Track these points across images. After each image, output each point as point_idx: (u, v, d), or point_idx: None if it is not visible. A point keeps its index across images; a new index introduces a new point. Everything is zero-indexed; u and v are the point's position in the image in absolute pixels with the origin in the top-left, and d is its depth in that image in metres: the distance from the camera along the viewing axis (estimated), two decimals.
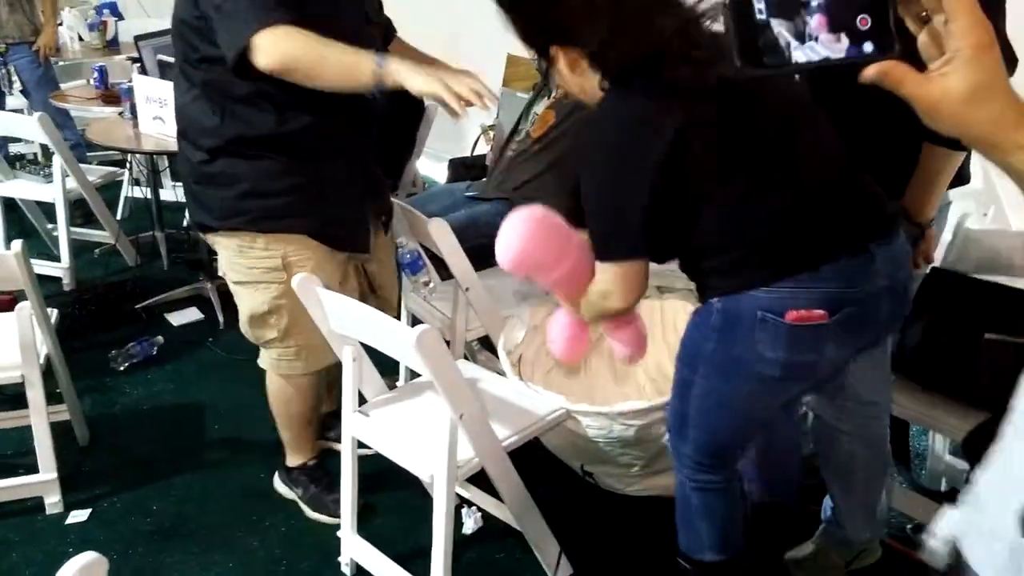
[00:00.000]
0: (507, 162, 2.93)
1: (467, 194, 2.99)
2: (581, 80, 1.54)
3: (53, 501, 2.37)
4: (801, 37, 0.71)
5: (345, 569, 2.19)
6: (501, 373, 2.29)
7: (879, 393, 1.90)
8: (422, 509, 2.22)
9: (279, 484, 2.46)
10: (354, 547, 2.16)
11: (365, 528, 2.22)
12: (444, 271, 2.50)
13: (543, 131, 2.93)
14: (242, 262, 2.09)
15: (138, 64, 3.75)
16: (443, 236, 2.34)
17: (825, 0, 0.71)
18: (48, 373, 2.39)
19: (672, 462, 1.83)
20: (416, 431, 2.01)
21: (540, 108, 3.00)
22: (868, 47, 0.71)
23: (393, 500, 2.41)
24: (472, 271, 2.42)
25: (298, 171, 2.02)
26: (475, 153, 3.57)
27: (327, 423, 2.58)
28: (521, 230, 1.71)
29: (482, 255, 2.70)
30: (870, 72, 0.70)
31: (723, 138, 1.47)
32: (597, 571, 2.19)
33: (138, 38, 3.79)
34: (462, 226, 2.46)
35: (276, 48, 1.79)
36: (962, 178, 1.95)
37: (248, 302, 2.15)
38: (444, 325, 2.57)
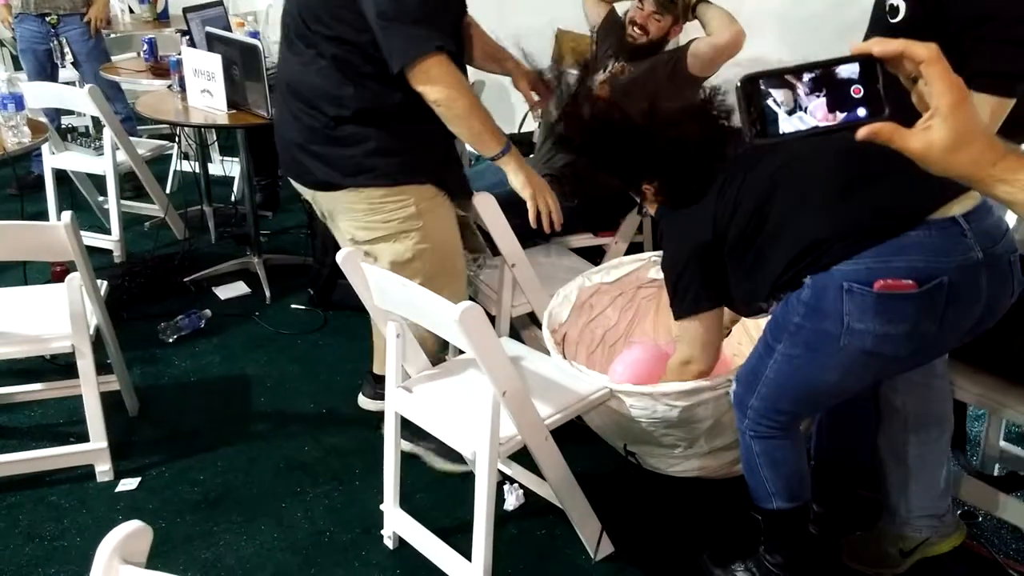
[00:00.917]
0: (556, 137, 2.89)
1: None
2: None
3: (104, 469, 2.42)
4: (802, 108, 0.85)
5: (387, 542, 2.20)
6: (546, 351, 2.27)
7: (938, 374, 1.86)
8: (463, 484, 2.23)
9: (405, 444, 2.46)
10: (396, 521, 2.17)
11: (408, 502, 2.23)
12: (494, 246, 2.49)
13: None
14: (376, 218, 2.18)
15: (187, 36, 3.77)
16: (489, 210, 2.32)
17: (823, 75, 0.84)
18: (98, 344, 2.42)
19: (733, 414, 1.88)
20: (459, 407, 2.00)
21: (595, 83, 2.96)
22: (861, 112, 0.85)
23: (436, 475, 2.42)
24: (518, 247, 2.40)
25: (416, 132, 2.15)
26: (523, 130, 3.54)
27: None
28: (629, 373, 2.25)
29: (529, 232, 2.68)
30: (863, 132, 0.85)
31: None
32: (638, 550, 2.17)
33: (187, 10, 3.82)
34: (509, 202, 2.43)
35: (441, 82, 2.01)
36: None
37: (389, 254, 2.22)
38: (491, 300, 2.56)
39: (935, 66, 0.83)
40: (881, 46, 0.84)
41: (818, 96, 0.84)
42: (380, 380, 2.64)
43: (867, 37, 2.06)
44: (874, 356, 1.61)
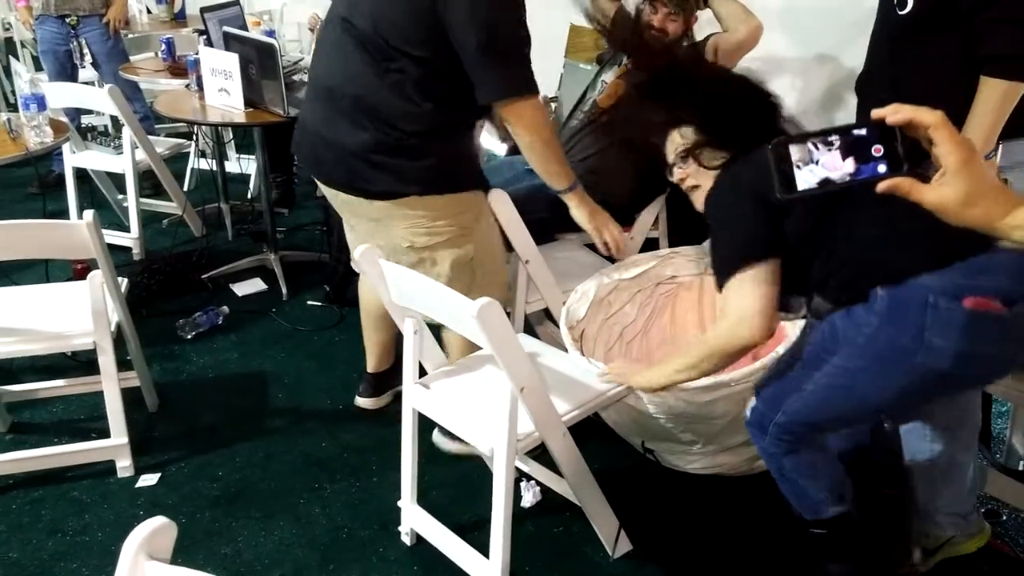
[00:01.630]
0: (571, 133, 2.89)
1: (526, 167, 2.95)
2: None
3: (124, 465, 2.44)
4: (829, 166, 0.95)
5: (405, 538, 2.21)
6: (561, 347, 2.27)
7: None
8: (481, 481, 2.24)
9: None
10: (414, 517, 2.18)
11: (425, 498, 2.24)
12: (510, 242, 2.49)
13: (612, 102, 2.88)
14: (438, 224, 2.22)
15: (204, 36, 3.79)
16: (502, 206, 2.32)
17: (845, 138, 0.95)
18: (119, 341, 2.44)
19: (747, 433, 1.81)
20: (476, 404, 2.00)
21: (609, 77, 2.94)
22: (882, 168, 0.94)
23: (453, 472, 2.43)
24: (532, 243, 2.40)
25: (469, 143, 2.31)
26: None
27: (397, 369, 2.66)
28: None
29: (544, 228, 2.68)
30: (883, 186, 0.94)
31: None
32: (657, 548, 2.17)
33: (204, 10, 3.83)
34: (523, 199, 2.43)
35: (534, 123, 2.15)
36: None
37: (450, 257, 2.26)
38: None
39: (941, 130, 0.92)
40: (893, 115, 0.94)
41: (842, 157, 0.95)
42: (375, 378, 2.71)
43: (875, 31, 2.06)
44: (948, 378, 1.52)
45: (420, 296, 1.92)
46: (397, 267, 1.95)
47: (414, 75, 2.07)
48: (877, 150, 0.95)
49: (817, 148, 0.95)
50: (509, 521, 1.90)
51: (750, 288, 1.60)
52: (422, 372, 2.14)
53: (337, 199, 2.32)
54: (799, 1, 3.06)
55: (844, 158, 0.95)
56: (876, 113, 0.95)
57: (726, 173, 1.74)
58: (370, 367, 2.73)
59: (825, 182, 0.95)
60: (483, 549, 1.97)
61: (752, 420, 1.81)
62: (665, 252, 2.65)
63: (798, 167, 0.96)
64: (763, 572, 2.08)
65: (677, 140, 1.83)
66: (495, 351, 1.75)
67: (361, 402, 2.76)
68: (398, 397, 2.73)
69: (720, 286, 1.65)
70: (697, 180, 1.81)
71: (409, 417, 2.11)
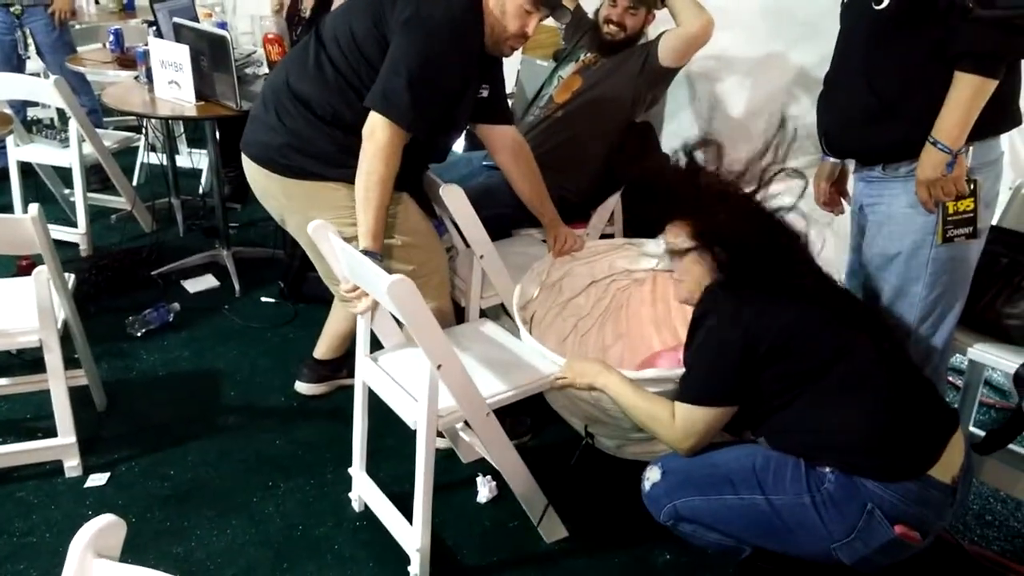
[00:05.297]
0: (527, 128, 2.90)
1: (484, 163, 2.96)
2: (701, 275, 1.84)
3: (72, 465, 2.39)
4: None
5: (354, 505, 2.29)
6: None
7: None
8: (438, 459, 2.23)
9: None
10: (362, 485, 2.26)
11: (374, 469, 2.30)
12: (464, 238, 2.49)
13: (568, 97, 2.90)
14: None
15: (153, 27, 3.72)
16: (456, 201, 2.32)
17: None
18: (66, 338, 2.39)
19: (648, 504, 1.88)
20: (416, 380, 2.01)
21: (566, 72, 2.96)
22: None
23: (404, 451, 2.40)
24: (487, 238, 2.40)
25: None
26: None
27: (343, 362, 2.75)
28: None
29: (500, 224, 2.69)
30: None
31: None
32: (593, 531, 2.21)
33: (153, 1, 3.76)
34: (479, 195, 2.43)
35: (380, 147, 2.08)
36: (1011, 119, 1.95)
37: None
38: (462, 292, 2.57)
39: None
40: None
41: None
42: (319, 364, 2.77)
43: (844, 27, 2.09)
44: (842, 566, 1.70)
45: (352, 268, 1.99)
46: (342, 242, 2.00)
47: (344, 74, 2.15)
48: None
49: None
50: (430, 495, 1.95)
51: (701, 418, 1.76)
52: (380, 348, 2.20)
53: (266, 193, 2.36)
54: (750, 1, 3.12)
55: None
56: None
57: (731, 301, 1.75)
58: (317, 352, 2.75)
59: None
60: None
61: (650, 495, 1.85)
62: (620, 242, 2.67)
63: None
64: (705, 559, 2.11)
65: (674, 239, 1.88)
66: (409, 327, 1.80)
67: (299, 386, 2.78)
68: (340, 391, 2.76)
69: (679, 399, 1.79)
70: (683, 277, 1.89)
71: (359, 389, 2.18)
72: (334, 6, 2.86)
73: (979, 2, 1.70)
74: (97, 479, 2.39)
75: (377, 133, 2.08)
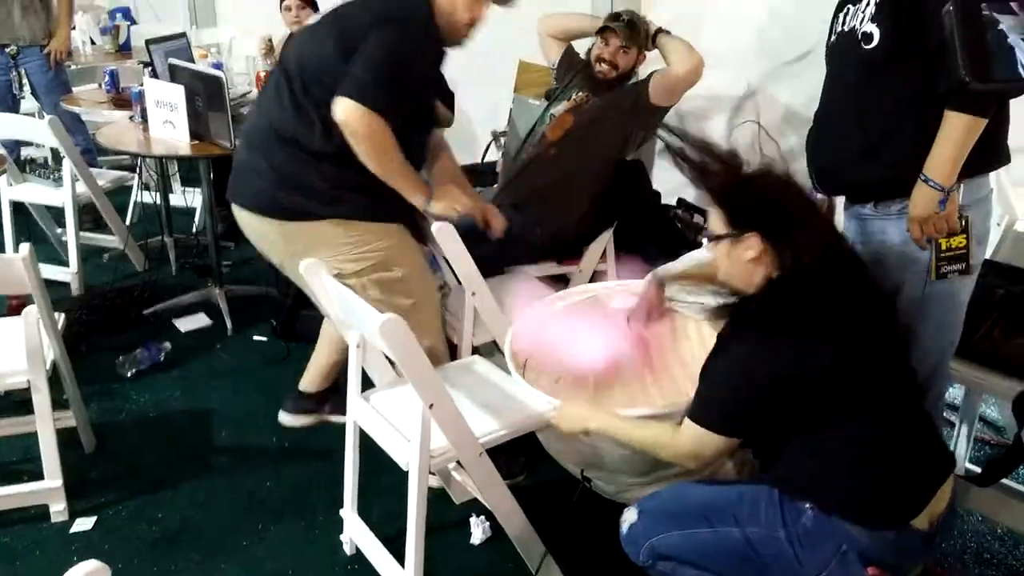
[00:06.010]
0: (519, 166, 2.90)
1: None
2: (749, 270, 1.72)
3: (58, 509, 2.35)
4: None
5: (346, 548, 2.25)
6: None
7: None
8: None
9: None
10: (353, 527, 2.23)
11: (367, 509, 2.27)
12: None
13: (560, 135, 2.91)
14: (363, 250, 2.27)
15: (149, 68, 3.74)
16: (447, 239, 2.32)
17: None
18: (55, 379, 2.37)
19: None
20: (408, 420, 1.99)
21: (558, 110, 2.98)
22: None
23: (396, 491, 2.37)
24: (479, 275, 2.40)
25: (372, 178, 2.21)
26: (486, 160, 3.56)
27: (327, 397, 2.69)
28: None
29: (494, 262, 2.68)
30: None
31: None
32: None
33: (149, 42, 3.79)
34: (471, 231, 2.43)
35: (358, 130, 2.07)
36: (999, 157, 1.95)
37: (378, 279, 2.29)
38: (453, 329, 2.55)
39: None
40: None
41: None
42: (303, 396, 2.72)
43: (832, 67, 2.10)
44: None
45: (345, 308, 1.98)
46: (334, 282, 2.01)
47: (326, 108, 2.13)
48: None
49: None
50: (423, 537, 1.92)
51: (710, 442, 1.72)
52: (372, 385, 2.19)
53: (263, 238, 2.35)
54: (738, 43, 3.16)
55: None
56: None
57: (764, 328, 1.69)
58: (302, 384, 2.70)
59: None
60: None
61: (628, 535, 1.80)
62: (612, 284, 2.66)
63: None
64: None
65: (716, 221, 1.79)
66: (401, 366, 1.78)
67: (282, 416, 2.73)
68: (330, 428, 2.71)
69: (692, 418, 1.73)
70: (735, 266, 1.78)
71: (351, 428, 2.15)
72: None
73: (975, 75, 1.71)
74: (83, 523, 2.35)
75: (351, 123, 2.07)
